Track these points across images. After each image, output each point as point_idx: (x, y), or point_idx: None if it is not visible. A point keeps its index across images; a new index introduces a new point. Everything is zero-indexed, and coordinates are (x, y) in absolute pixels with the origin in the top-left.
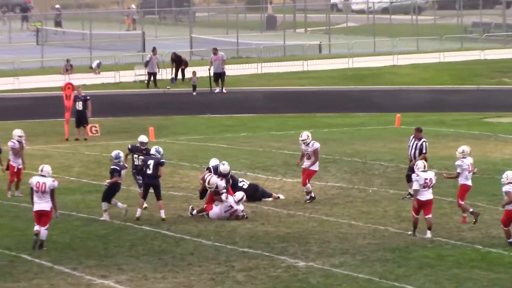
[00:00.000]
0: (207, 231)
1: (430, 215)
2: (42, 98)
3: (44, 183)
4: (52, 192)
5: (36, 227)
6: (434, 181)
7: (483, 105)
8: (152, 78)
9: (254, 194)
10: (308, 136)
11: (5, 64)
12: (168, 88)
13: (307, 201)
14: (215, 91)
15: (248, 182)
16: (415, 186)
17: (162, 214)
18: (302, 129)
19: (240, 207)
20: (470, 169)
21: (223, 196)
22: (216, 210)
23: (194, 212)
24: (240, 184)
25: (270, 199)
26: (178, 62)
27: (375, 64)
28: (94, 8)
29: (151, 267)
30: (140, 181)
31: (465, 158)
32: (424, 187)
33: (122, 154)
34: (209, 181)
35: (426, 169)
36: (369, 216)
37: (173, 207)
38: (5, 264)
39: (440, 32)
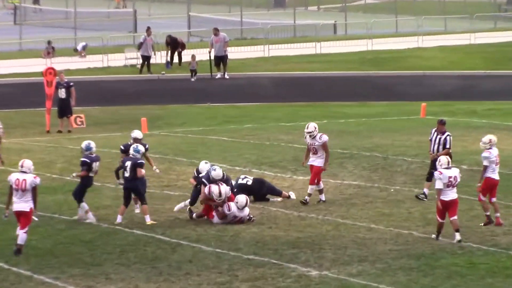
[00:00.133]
0: (207, 235)
1: (455, 217)
2: (20, 84)
3: (25, 180)
4: (34, 190)
5: (18, 231)
6: (459, 179)
7: None
8: (146, 62)
9: (260, 190)
10: (315, 128)
11: None
12: (163, 74)
13: (320, 202)
14: (216, 77)
15: (252, 178)
16: (438, 185)
17: (147, 219)
18: (315, 120)
19: (245, 212)
20: (498, 161)
21: (226, 210)
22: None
23: (194, 215)
24: (243, 181)
25: (279, 199)
26: (174, 45)
27: (397, 47)
28: None
29: (144, 277)
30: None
31: (491, 148)
32: (448, 186)
33: (93, 145)
34: (219, 192)
35: (450, 165)
36: (391, 218)
37: (169, 209)
38: None
39: (471, 10)
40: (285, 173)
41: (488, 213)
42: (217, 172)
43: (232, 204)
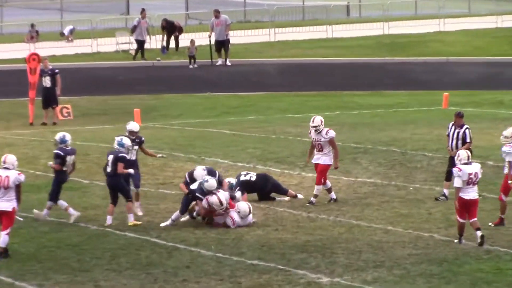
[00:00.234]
0: (207, 238)
1: (475, 219)
2: (0, 72)
3: (8, 176)
4: (18, 188)
5: None
6: (480, 176)
7: None
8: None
9: (265, 186)
10: (322, 122)
11: None
12: (158, 60)
13: (331, 201)
14: (217, 64)
15: (255, 173)
16: (457, 182)
17: (130, 218)
18: (326, 110)
19: (249, 219)
20: None
21: (230, 224)
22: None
23: (194, 214)
24: (246, 177)
25: (286, 198)
26: (171, 28)
27: (417, 30)
28: None
29: (137, 284)
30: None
31: None
32: (468, 183)
33: (69, 137)
34: (220, 202)
35: (470, 161)
36: (410, 220)
37: (164, 209)
38: None
39: None
40: (293, 169)
41: (502, 216)
42: (210, 183)
43: (234, 215)
